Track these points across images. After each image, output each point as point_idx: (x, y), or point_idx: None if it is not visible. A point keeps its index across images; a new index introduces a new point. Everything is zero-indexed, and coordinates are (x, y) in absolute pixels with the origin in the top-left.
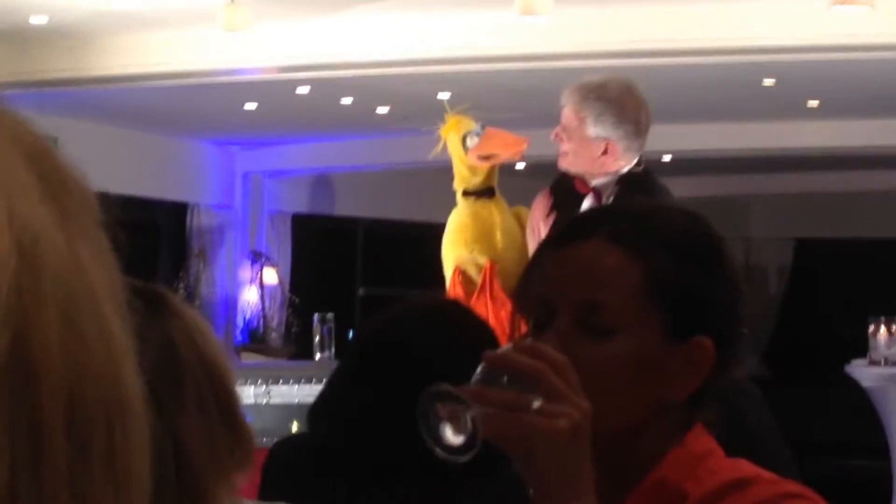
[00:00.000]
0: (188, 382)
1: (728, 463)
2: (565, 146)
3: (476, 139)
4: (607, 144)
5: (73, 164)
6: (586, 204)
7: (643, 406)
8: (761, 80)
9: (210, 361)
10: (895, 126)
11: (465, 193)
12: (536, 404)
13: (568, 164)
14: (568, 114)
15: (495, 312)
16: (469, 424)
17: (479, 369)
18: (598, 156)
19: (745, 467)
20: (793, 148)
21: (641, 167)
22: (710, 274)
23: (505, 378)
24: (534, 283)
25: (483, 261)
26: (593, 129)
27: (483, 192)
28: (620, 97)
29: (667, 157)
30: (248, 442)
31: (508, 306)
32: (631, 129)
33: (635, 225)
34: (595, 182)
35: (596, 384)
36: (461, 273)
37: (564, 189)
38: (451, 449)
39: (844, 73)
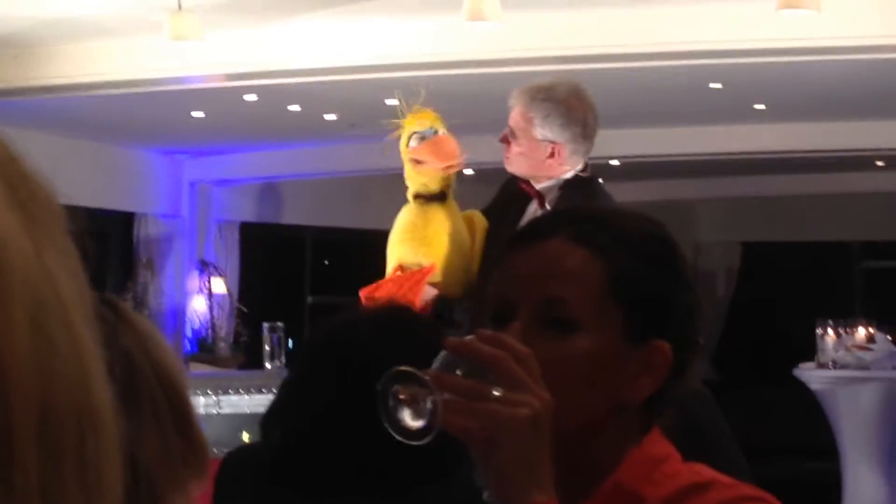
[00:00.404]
0: (142, 391)
1: (685, 467)
2: (512, 148)
3: (418, 142)
4: (554, 147)
5: (38, 171)
6: (531, 207)
7: (601, 406)
8: (708, 84)
9: (164, 370)
10: (842, 129)
11: (417, 196)
12: (497, 393)
13: (514, 167)
14: (516, 115)
15: None
16: (429, 407)
17: (440, 356)
18: (545, 158)
19: (703, 471)
20: (740, 151)
21: (587, 172)
22: (670, 278)
23: (466, 366)
24: (495, 282)
25: (426, 264)
26: (540, 131)
27: (435, 197)
28: (568, 99)
29: (614, 162)
30: (203, 451)
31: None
32: (578, 131)
33: (597, 226)
34: (539, 185)
35: (555, 380)
36: (401, 270)
37: (511, 192)
38: (408, 432)
39: (791, 77)
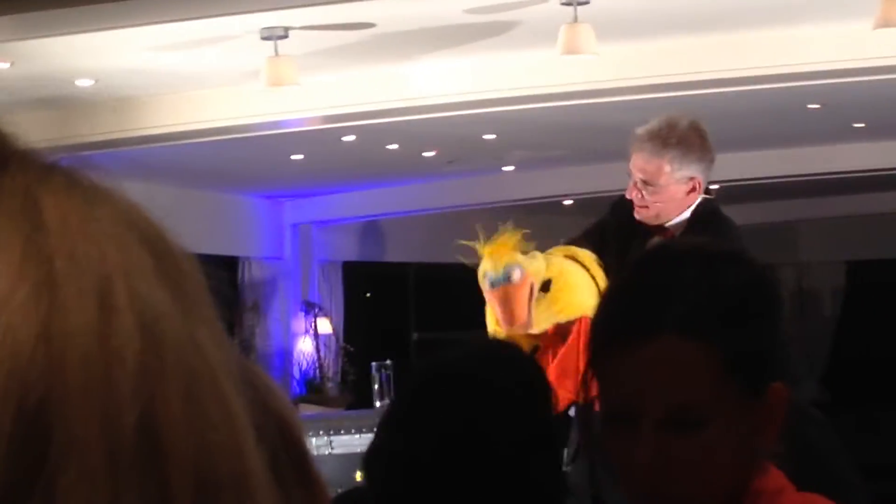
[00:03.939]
0: (265, 446)
1: (800, 498)
2: (648, 199)
3: (489, 286)
4: (694, 182)
5: (182, 246)
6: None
7: (743, 472)
8: (806, 105)
9: (282, 420)
10: None
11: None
12: None
13: (653, 217)
14: (649, 165)
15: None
16: None
17: None
18: (685, 195)
19: (818, 502)
20: (840, 170)
21: (712, 194)
22: (773, 323)
23: None
24: (607, 384)
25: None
26: (679, 173)
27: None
28: (695, 132)
29: (713, 186)
30: (324, 498)
31: None
32: (710, 160)
33: (697, 306)
34: (670, 224)
35: (700, 475)
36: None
37: (628, 220)
38: None
39: (889, 94)
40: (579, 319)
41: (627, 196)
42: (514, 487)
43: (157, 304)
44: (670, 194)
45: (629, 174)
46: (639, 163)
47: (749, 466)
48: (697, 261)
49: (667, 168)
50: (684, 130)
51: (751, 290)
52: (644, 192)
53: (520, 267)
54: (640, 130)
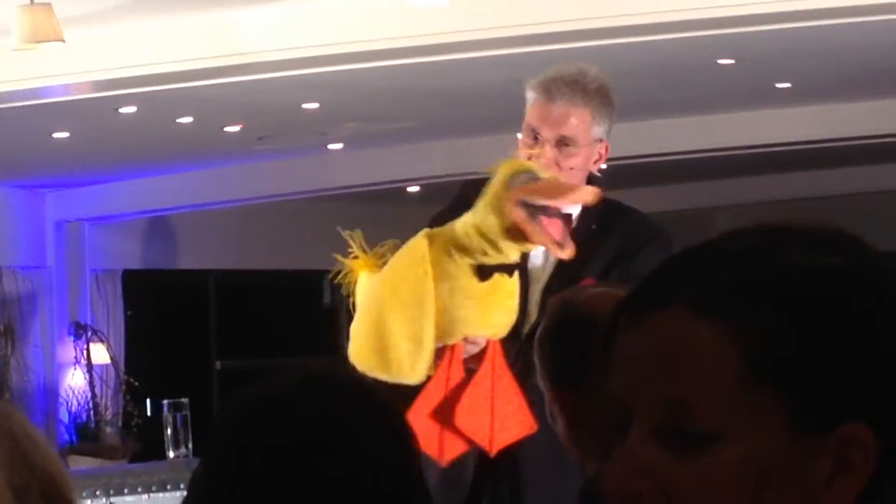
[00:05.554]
0: None
1: None
2: (563, 164)
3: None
4: (602, 146)
5: None
6: None
7: None
8: (717, 60)
9: (48, 479)
10: (886, 109)
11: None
12: None
13: None
14: (572, 117)
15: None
16: None
17: None
18: (593, 162)
19: None
20: (761, 144)
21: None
22: (851, 329)
23: None
24: (611, 372)
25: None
26: (596, 129)
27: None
28: (607, 85)
29: (602, 165)
30: None
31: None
32: (614, 121)
33: (728, 278)
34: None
35: None
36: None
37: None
38: None
39: (819, 47)
40: (490, 343)
41: (541, 159)
42: None
43: None
44: (585, 157)
45: (532, 131)
46: (556, 115)
47: None
48: (765, 233)
49: (585, 124)
50: (598, 76)
51: (833, 283)
52: (559, 157)
53: None
54: (545, 77)
